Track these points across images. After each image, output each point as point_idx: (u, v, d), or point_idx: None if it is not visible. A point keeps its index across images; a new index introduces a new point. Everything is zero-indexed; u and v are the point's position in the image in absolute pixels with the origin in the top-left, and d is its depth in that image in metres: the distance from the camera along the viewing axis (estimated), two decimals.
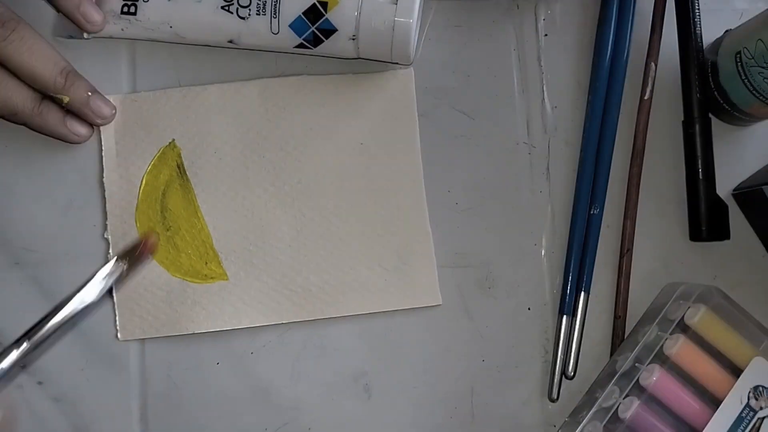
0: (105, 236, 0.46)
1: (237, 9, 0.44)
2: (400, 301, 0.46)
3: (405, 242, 0.47)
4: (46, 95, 0.44)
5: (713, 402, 0.42)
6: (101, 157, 0.46)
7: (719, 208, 0.48)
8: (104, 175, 0.46)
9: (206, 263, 0.46)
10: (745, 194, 0.48)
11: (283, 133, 0.47)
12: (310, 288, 0.46)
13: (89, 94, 0.44)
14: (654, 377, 0.42)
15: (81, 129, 0.45)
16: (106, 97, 0.46)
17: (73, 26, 0.46)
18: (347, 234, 0.47)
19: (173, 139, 0.47)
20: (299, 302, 0.46)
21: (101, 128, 0.46)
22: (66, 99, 0.44)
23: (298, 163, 0.47)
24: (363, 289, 0.46)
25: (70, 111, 0.45)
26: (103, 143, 0.46)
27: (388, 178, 0.47)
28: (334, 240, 0.47)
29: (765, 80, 0.43)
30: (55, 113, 0.44)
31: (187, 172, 0.47)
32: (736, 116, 0.47)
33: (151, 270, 0.46)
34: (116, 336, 0.46)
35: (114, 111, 0.46)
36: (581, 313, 0.47)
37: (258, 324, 0.46)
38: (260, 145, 0.47)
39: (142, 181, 0.46)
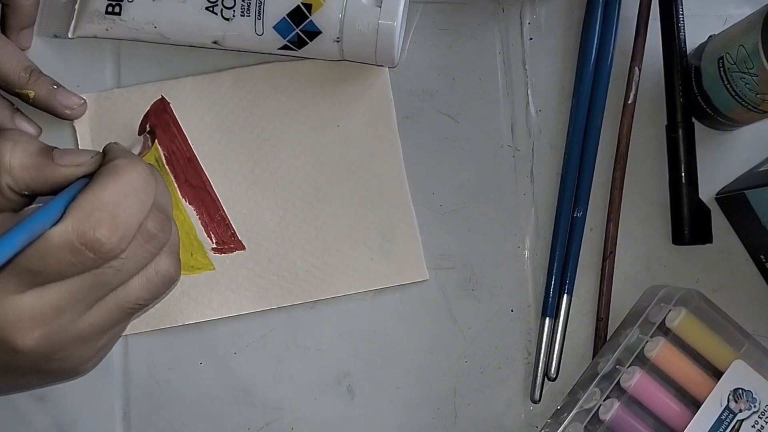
0: None
1: (221, 10, 0.44)
2: (387, 278, 0.47)
3: (388, 220, 0.47)
4: (11, 92, 0.44)
5: (693, 404, 0.42)
6: None
7: (702, 212, 0.48)
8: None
9: (192, 254, 0.46)
10: (728, 198, 0.48)
11: (259, 121, 0.47)
12: (296, 272, 0.46)
13: (54, 87, 0.45)
14: (634, 379, 0.42)
15: (28, 128, 0.45)
16: (84, 95, 0.46)
17: (58, 25, 0.46)
18: (330, 216, 0.47)
19: None
20: (287, 287, 0.46)
21: (76, 126, 0.46)
22: (31, 94, 0.44)
23: (276, 149, 0.47)
24: (350, 269, 0.47)
25: (20, 112, 0.45)
26: (79, 141, 0.46)
27: (367, 157, 0.47)
28: (317, 223, 0.47)
29: (747, 85, 0.43)
30: (4, 110, 0.45)
31: (166, 166, 0.47)
32: (719, 121, 0.48)
33: None
34: None
35: (83, 102, 0.46)
36: (564, 315, 0.47)
37: (247, 311, 0.46)
38: (237, 134, 0.47)
39: None
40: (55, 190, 0.35)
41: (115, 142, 0.37)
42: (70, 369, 0.36)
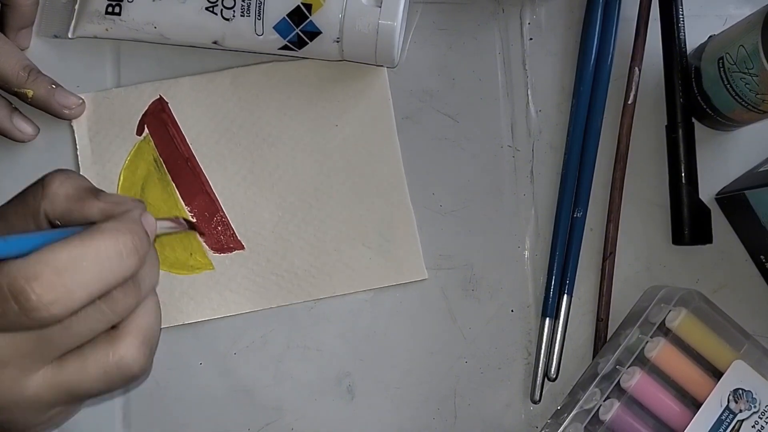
0: None
1: (221, 10, 0.44)
2: (385, 278, 0.47)
3: (387, 219, 0.47)
4: (9, 91, 0.45)
5: (693, 404, 0.42)
6: (76, 155, 0.47)
7: (702, 212, 0.48)
8: (80, 173, 0.46)
9: (191, 254, 0.46)
10: (728, 199, 0.48)
11: (258, 120, 0.47)
12: (295, 271, 0.47)
13: (52, 86, 0.45)
14: (634, 380, 0.42)
15: (26, 127, 0.46)
16: (83, 95, 0.46)
17: (58, 25, 0.46)
18: (328, 215, 0.47)
19: (148, 134, 0.47)
20: (286, 286, 0.46)
21: (74, 126, 0.47)
22: (30, 93, 0.44)
23: (275, 148, 0.47)
24: (348, 268, 0.47)
25: (18, 111, 0.45)
26: (77, 141, 0.46)
27: (365, 157, 0.48)
28: (315, 222, 0.47)
29: (747, 86, 0.43)
30: (2, 109, 0.45)
31: (164, 166, 0.47)
32: (719, 121, 0.48)
33: None
34: None
35: (81, 101, 0.46)
36: (564, 316, 0.47)
37: (246, 310, 0.46)
38: (236, 134, 0.47)
39: (119, 177, 0.46)
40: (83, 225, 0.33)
41: (140, 200, 0.35)
42: (16, 430, 0.34)
